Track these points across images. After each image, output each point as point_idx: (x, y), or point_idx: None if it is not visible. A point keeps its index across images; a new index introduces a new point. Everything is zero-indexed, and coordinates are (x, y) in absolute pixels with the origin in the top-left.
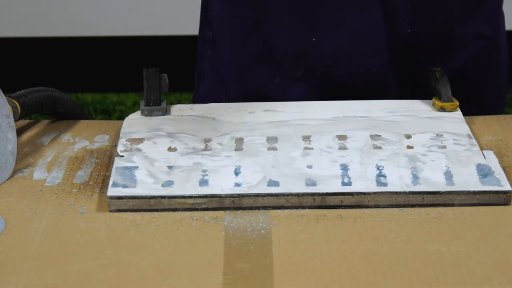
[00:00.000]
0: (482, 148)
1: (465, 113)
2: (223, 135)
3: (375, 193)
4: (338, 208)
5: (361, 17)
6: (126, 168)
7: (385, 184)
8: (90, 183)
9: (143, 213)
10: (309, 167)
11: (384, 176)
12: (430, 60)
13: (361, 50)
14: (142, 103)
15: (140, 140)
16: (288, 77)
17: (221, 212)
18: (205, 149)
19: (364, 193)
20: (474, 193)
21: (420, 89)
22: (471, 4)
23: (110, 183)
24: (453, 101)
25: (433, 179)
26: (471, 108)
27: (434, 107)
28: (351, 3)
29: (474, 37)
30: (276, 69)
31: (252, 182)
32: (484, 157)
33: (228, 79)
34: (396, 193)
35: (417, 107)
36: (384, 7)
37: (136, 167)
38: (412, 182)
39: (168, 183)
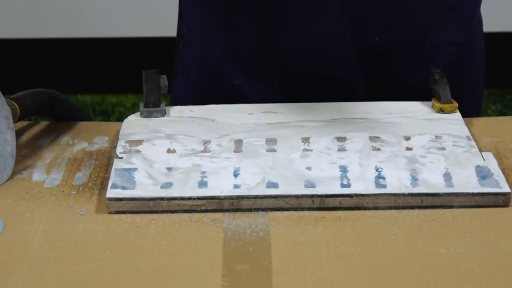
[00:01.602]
0: (481, 150)
1: None
2: (222, 136)
3: (374, 194)
4: (337, 209)
5: (324, 23)
6: (125, 169)
7: (384, 186)
8: (89, 184)
9: (142, 214)
10: (308, 168)
11: (383, 178)
12: (400, 66)
13: (326, 54)
14: (141, 104)
15: (139, 142)
16: (253, 77)
17: (220, 214)
18: (204, 150)
19: (363, 195)
20: (473, 195)
21: (390, 93)
22: (441, 13)
23: (109, 184)
24: (452, 103)
25: (432, 181)
26: None
27: (433, 108)
28: (315, 9)
29: (446, 44)
30: (241, 69)
31: (251, 184)
32: (483, 159)
33: (195, 76)
34: (395, 194)
35: (416, 108)
36: (348, 15)
37: (135, 169)
38: (411, 183)
39: (167, 185)
